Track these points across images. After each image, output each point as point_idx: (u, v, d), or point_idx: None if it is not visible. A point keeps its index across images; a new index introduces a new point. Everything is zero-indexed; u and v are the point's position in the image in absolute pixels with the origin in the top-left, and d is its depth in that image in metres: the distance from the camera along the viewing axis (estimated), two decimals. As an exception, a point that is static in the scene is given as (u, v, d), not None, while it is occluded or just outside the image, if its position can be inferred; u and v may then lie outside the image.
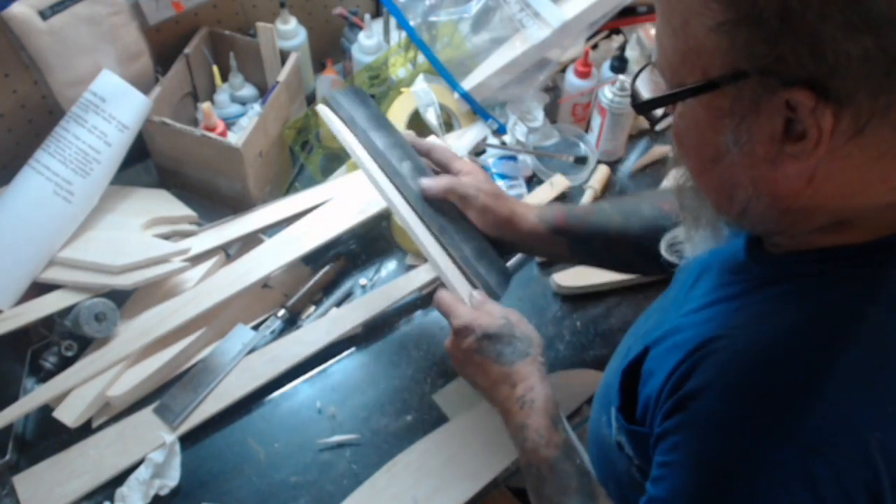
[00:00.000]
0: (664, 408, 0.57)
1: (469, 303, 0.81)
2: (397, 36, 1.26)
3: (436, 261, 0.84)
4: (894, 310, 0.50)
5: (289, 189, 1.24)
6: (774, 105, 0.45)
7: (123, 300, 1.03)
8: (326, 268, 1.11)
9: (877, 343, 0.49)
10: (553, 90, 1.33)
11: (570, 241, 0.88)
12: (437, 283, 0.86)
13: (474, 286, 0.85)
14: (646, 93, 0.55)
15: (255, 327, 1.05)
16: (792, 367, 0.50)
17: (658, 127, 1.32)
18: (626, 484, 0.70)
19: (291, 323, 1.08)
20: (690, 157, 0.55)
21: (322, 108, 0.92)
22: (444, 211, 0.86)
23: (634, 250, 0.84)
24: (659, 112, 0.56)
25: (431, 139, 0.91)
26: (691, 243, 0.62)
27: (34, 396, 0.94)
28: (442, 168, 0.90)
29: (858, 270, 0.52)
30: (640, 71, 0.56)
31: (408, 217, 0.85)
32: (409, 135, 0.94)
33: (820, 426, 0.48)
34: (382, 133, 0.88)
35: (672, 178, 0.61)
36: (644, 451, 0.62)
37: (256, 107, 1.18)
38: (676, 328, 0.62)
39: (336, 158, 1.23)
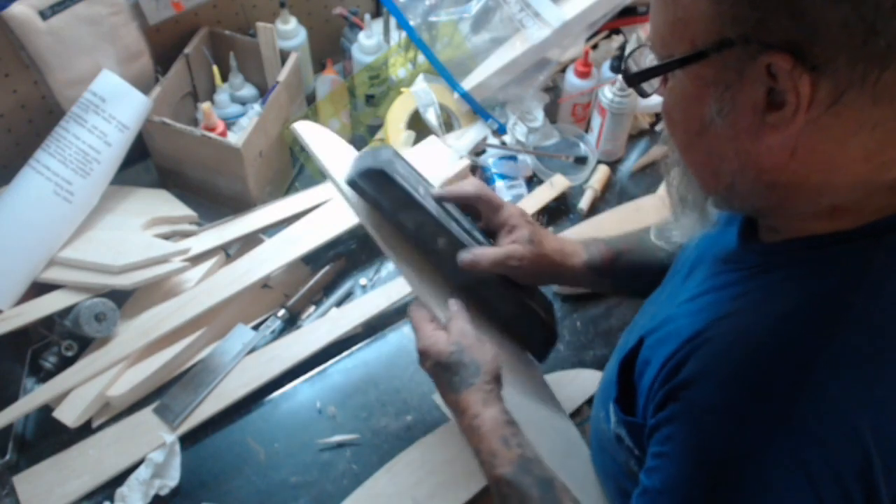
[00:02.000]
0: (657, 397, 0.58)
1: (442, 316, 0.79)
2: (397, 36, 1.26)
3: (409, 275, 0.80)
4: (878, 296, 0.50)
5: (289, 189, 1.24)
6: (756, 72, 0.47)
7: (123, 300, 1.03)
8: (326, 268, 1.11)
9: (865, 328, 0.50)
10: (553, 90, 1.33)
11: (614, 282, 0.88)
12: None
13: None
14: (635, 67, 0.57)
15: (255, 327, 1.05)
16: (782, 356, 0.51)
17: (658, 127, 1.32)
18: (626, 476, 0.70)
19: (291, 323, 1.08)
20: (678, 131, 0.56)
21: (300, 130, 0.87)
22: (484, 280, 0.81)
23: None
24: (650, 89, 0.58)
25: (468, 181, 0.83)
26: (679, 227, 0.63)
27: (34, 396, 0.94)
28: (488, 209, 0.84)
29: (845, 257, 0.52)
30: (634, 49, 0.58)
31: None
32: (450, 190, 0.84)
33: (811, 414, 0.49)
34: (412, 212, 0.78)
35: (660, 157, 0.62)
36: (642, 441, 0.62)
37: (256, 107, 1.18)
38: (670, 318, 0.62)
39: (336, 158, 1.23)
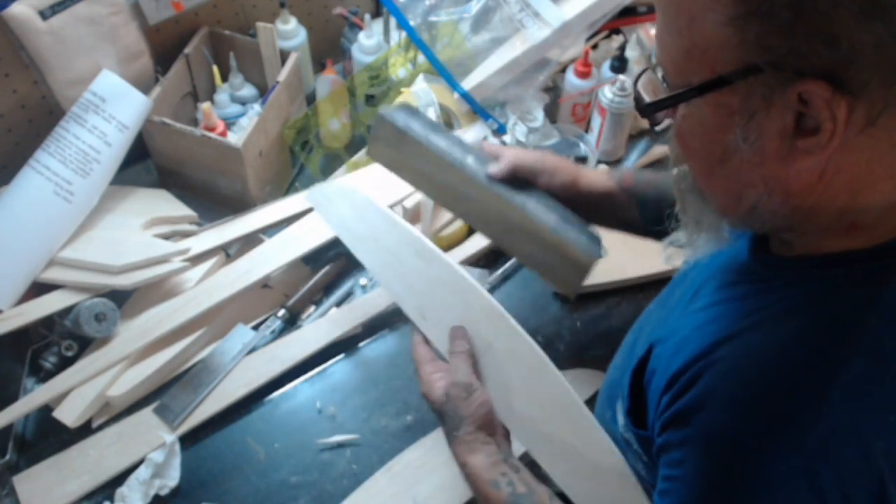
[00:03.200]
0: (665, 416, 0.57)
1: (446, 347, 0.80)
2: (397, 36, 1.26)
3: (407, 312, 0.84)
4: (891, 319, 0.49)
5: (289, 189, 1.24)
6: (786, 99, 0.44)
7: (123, 300, 1.03)
8: (326, 268, 1.11)
9: (878, 352, 0.49)
10: (553, 90, 1.33)
11: (640, 199, 0.87)
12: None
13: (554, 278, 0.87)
14: (646, 95, 0.54)
15: (255, 327, 1.05)
16: (794, 379, 0.50)
17: (658, 127, 1.32)
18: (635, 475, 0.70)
19: (291, 323, 1.08)
20: (696, 158, 0.54)
21: (313, 199, 0.96)
22: (519, 188, 0.86)
23: None
24: (662, 114, 0.55)
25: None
26: (693, 247, 0.61)
27: (34, 396, 0.94)
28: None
29: (861, 277, 0.51)
30: (640, 73, 0.56)
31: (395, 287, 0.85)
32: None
33: (824, 437, 0.48)
34: (440, 135, 0.89)
35: (674, 183, 0.60)
36: (650, 451, 0.62)
37: (256, 107, 1.18)
38: (679, 328, 0.62)
39: (336, 158, 1.23)
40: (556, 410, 0.76)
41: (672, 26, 0.48)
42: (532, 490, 0.70)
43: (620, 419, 0.70)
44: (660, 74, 0.52)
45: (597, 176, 0.88)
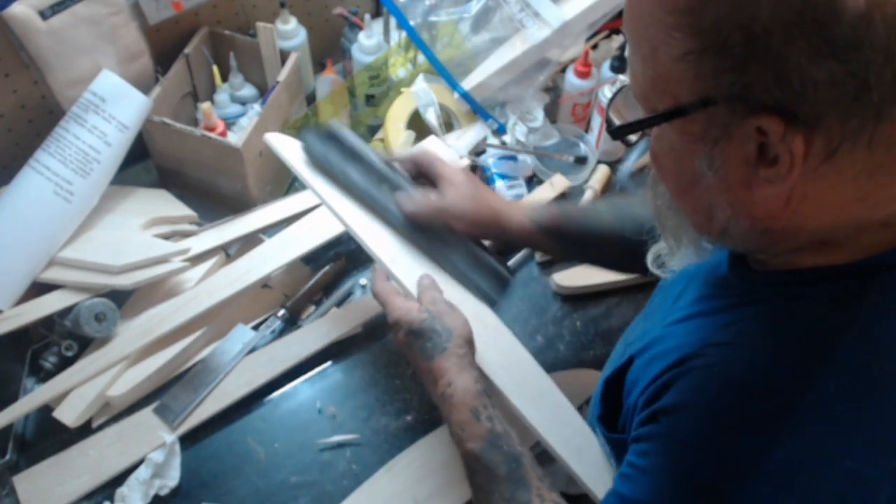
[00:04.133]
0: (640, 415, 0.58)
1: (415, 288, 0.80)
2: (397, 36, 1.26)
3: (374, 252, 0.83)
4: (867, 336, 0.49)
5: (289, 189, 1.24)
6: (745, 131, 0.45)
7: (123, 300, 1.03)
8: (326, 268, 1.11)
9: (850, 371, 0.48)
10: (553, 90, 1.33)
11: (561, 241, 0.87)
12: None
13: (480, 291, 0.85)
14: (616, 119, 0.56)
15: (255, 327, 1.05)
16: (764, 394, 0.50)
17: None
18: None
19: (291, 323, 1.08)
20: (668, 179, 0.55)
21: (271, 140, 0.92)
22: (431, 228, 0.85)
23: (626, 251, 0.83)
24: (634, 137, 0.56)
25: (418, 146, 0.90)
26: (676, 258, 0.62)
27: (34, 396, 0.94)
28: (426, 175, 0.87)
29: (836, 294, 0.51)
30: (614, 96, 0.57)
31: (355, 226, 0.85)
32: (384, 153, 0.92)
33: (790, 458, 0.48)
34: (356, 164, 0.86)
35: (651, 199, 0.61)
36: (623, 454, 0.62)
37: (256, 107, 1.18)
38: (659, 338, 0.62)
39: (336, 158, 1.23)
40: (515, 368, 0.79)
41: (637, 54, 0.49)
42: (507, 432, 0.70)
43: (598, 431, 0.70)
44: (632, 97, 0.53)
45: (518, 217, 0.86)
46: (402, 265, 0.83)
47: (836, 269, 0.52)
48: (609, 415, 0.67)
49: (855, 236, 0.50)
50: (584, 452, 0.76)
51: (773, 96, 0.43)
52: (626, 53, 0.52)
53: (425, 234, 0.85)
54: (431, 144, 1.18)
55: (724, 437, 0.51)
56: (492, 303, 0.85)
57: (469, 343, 0.75)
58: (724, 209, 0.51)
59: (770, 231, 0.51)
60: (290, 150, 0.91)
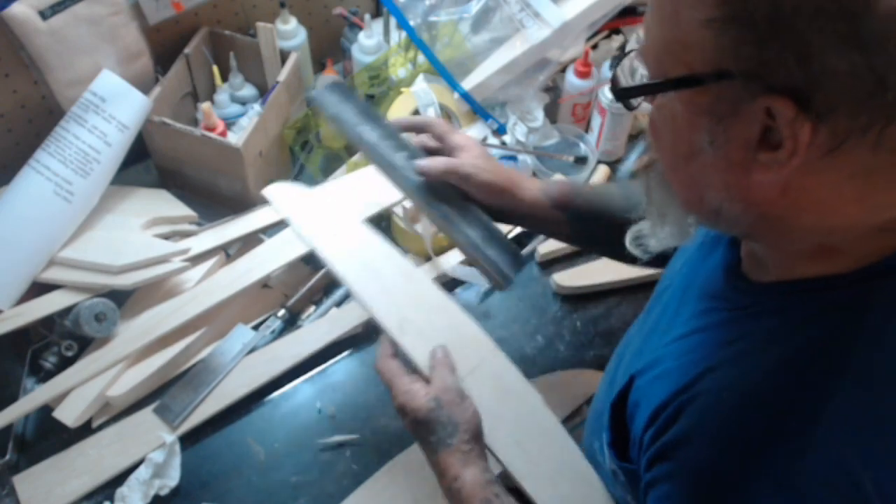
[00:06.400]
0: (649, 452, 0.56)
1: (426, 361, 0.76)
2: (397, 36, 1.26)
3: (380, 320, 0.79)
4: (877, 344, 0.48)
5: (289, 189, 1.24)
6: (754, 110, 0.44)
7: (123, 300, 1.03)
8: (326, 268, 1.11)
9: (863, 380, 0.48)
10: (553, 90, 1.33)
11: (571, 218, 0.85)
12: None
13: (489, 275, 0.83)
14: (627, 80, 0.54)
15: (255, 327, 1.05)
16: (779, 411, 0.49)
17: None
18: None
19: (291, 323, 1.08)
20: (664, 151, 0.54)
21: (270, 194, 0.92)
22: (447, 197, 0.83)
23: None
24: (636, 101, 0.55)
25: (426, 115, 0.89)
26: (656, 238, 0.60)
27: (34, 396, 0.94)
28: (438, 143, 0.86)
29: (840, 303, 0.50)
30: (623, 56, 0.55)
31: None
32: (400, 119, 0.91)
33: (812, 471, 0.47)
34: (371, 125, 0.85)
35: (640, 172, 0.60)
36: (637, 482, 0.61)
37: (256, 107, 1.18)
38: (659, 359, 0.61)
39: (336, 158, 1.23)
40: (540, 437, 0.75)
41: (658, 16, 0.48)
42: None
43: (606, 451, 0.69)
44: (642, 62, 0.52)
45: (531, 188, 0.85)
46: (411, 336, 0.77)
47: (838, 277, 0.51)
48: (619, 441, 0.65)
49: (855, 242, 0.50)
50: None
51: (790, 79, 0.42)
52: (644, 16, 0.50)
53: (440, 200, 0.82)
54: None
55: (739, 457, 0.49)
56: (506, 279, 0.83)
57: (475, 438, 0.71)
58: (719, 189, 0.50)
59: (764, 218, 0.50)
60: (287, 204, 0.90)
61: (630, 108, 0.56)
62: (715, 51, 0.44)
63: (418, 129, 0.87)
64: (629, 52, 0.54)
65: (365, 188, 1.01)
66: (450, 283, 1.12)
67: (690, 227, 0.58)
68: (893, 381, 0.48)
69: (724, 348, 0.54)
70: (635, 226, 0.65)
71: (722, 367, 0.53)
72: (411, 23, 1.22)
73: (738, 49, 0.43)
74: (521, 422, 0.76)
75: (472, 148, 0.84)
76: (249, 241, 1.11)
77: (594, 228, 0.85)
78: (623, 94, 0.53)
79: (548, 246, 1.15)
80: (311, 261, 1.12)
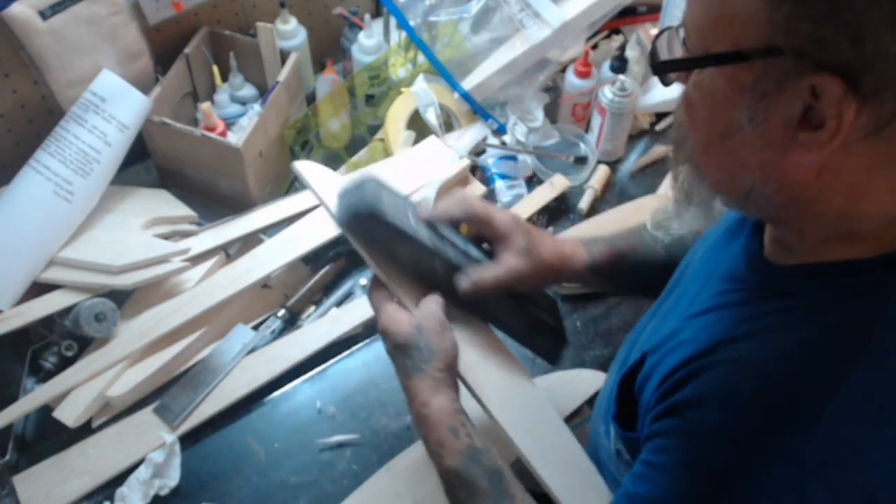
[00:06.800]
0: (655, 410, 0.56)
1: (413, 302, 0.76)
2: (397, 36, 1.26)
3: (376, 266, 0.77)
4: (894, 332, 0.49)
5: (289, 189, 1.24)
6: (799, 89, 0.44)
7: (123, 300, 1.03)
8: (326, 268, 1.11)
9: (877, 368, 0.48)
10: (553, 90, 1.33)
11: (617, 282, 0.86)
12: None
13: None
14: (665, 54, 0.53)
15: (255, 327, 1.05)
16: (796, 386, 0.49)
17: (658, 127, 1.32)
18: None
19: (291, 323, 1.08)
20: (699, 129, 0.53)
21: (300, 169, 0.88)
22: (485, 298, 0.79)
23: None
24: (673, 76, 0.54)
25: (455, 198, 0.80)
26: (680, 220, 0.60)
27: (34, 396, 0.94)
28: (479, 225, 0.80)
29: (861, 289, 0.50)
30: (663, 31, 0.54)
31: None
32: (439, 214, 0.80)
33: (820, 449, 0.47)
34: (405, 244, 0.76)
35: (669, 149, 0.59)
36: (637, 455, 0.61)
37: (256, 107, 1.18)
38: (674, 332, 0.61)
39: (336, 158, 1.23)
40: (535, 419, 0.76)
41: None
42: (487, 448, 0.68)
43: (612, 430, 0.69)
44: (681, 36, 0.51)
45: (573, 263, 0.82)
46: (401, 283, 0.77)
47: (861, 262, 0.51)
48: (624, 414, 0.66)
49: (883, 230, 0.50)
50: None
51: (842, 57, 0.42)
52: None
53: (480, 304, 0.80)
54: (431, 145, 1.18)
55: (750, 423, 0.50)
56: (550, 361, 0.85)
57: (449, 368, 0.71)
58: (753, 170, 0.50)
59: (795, 200, 0.50)
60: (320, 180, 0.87)
61: (666, 83, 0.55)
62: (766, 26, 0.44)
63: (453, 221, 0.80)
64: (667, 28, 0.53)
65: (393, 174, 1.00)
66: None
67: (715, 208, 0.58)
68: None
69: (742, 324, 0.54)
70: (657, 209, 0.64)
71: (739, 341, 0.53)
72: (411, 23, 1.22)
73: (791, 24, 0.43)
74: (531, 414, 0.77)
75: (513, 242, 0.78)
76: (249, 241, 1.11)
77: (640, 284, 0.86)
78: (663, 68, 0.52)
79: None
80: (311, 261, 1.12)
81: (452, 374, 0.72)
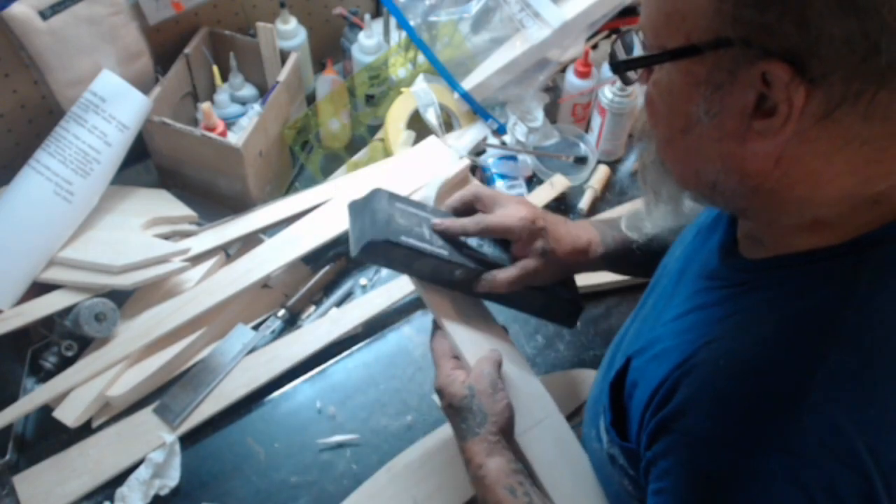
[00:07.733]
0: (649, 427, 0.57)
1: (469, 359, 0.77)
2: (397, 36, 1.26)
3: (440, 317, 0.80)
4: (867, 313, 0.49)
5: (289, 189, 1.24)
6: (750, 77, 0.45)
7: (123, 300, 1.03)
8: (326, 268, 1.11)
9: (855, 346, 0.49)
10: (553, 90, 1.33)
11: (631, 266, 0.88)
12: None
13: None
14: (624, 55, 0.55)
15: (255, 327, 1.05)
16: (774, 377, 0.50)
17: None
18: (621, 496, 0.69)
19: (291, 323, 1.08)
20: (660, 126, 0.55)
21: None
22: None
23: None
24: (634, 76, 0.56)
25: (470, 186, 0.83)
26: (651, 219, 0.61)
27: (34, 396, 0.94)
28: (496, 236, 0.82)
29: (831, 274, 0.51)
30: (623, 33, 0.56)
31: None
32: (449, 203, 0.85)
33: (808, 434, 0.48)
34: (423, 261, 0.79)
35: (638, 154, 0.60)
36: (637, 463, 0.62)
37: (256, 107, 1.18)
38: (657, 338, 0.61)
39: (336, 158, 1.24)
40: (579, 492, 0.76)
41: None
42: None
43: (604, 435, 0.69)
44: (641, 38, 0.53)
45: (595, 248, 0.83)
46: (462, 333, 0.79)
47: (829, 249, 0.52)
48: (619, 420, 0.66)
49: (847, 214, 0.51)
50: None
51: (787, 43, 0.43)
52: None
53: (500, 298, 0.83)
54: (431, 145, 1.18)
55: (736, 422, 0.50)
56: (568, 326, 0.90)
57: (503, 430, 0.72)
58: (714, 162, 0.51)
59: (760, 190, 0.51)
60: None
61: (627, 82, 0.57)
62: (714, 18, 0.45)
63: (463, 208, 0.83)
64: (629, 30, 0.55)
65: (393, 174, 1.00)
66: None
67: (684, 205, 0.59)
68: (883, 348, 0.49)
69: (720, 323, 0.55)
70: (631, 209, 0.65)
71: (718, 341, 0.54)
72: (411, 23, 1.22)
73: (738, 15, 0.44)
74: (571, 477, 0.77)
75: (529, 235, 0.79)
76: (249, 241, 1.11)
77: (651, 267, 0.85)
78: (621, 66, 0.54)
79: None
80: (310, 261, 1.12)
81: (507, 436, 0.72)
